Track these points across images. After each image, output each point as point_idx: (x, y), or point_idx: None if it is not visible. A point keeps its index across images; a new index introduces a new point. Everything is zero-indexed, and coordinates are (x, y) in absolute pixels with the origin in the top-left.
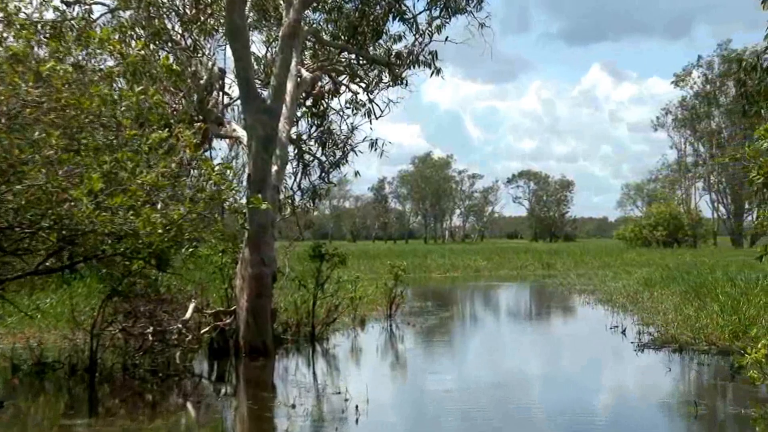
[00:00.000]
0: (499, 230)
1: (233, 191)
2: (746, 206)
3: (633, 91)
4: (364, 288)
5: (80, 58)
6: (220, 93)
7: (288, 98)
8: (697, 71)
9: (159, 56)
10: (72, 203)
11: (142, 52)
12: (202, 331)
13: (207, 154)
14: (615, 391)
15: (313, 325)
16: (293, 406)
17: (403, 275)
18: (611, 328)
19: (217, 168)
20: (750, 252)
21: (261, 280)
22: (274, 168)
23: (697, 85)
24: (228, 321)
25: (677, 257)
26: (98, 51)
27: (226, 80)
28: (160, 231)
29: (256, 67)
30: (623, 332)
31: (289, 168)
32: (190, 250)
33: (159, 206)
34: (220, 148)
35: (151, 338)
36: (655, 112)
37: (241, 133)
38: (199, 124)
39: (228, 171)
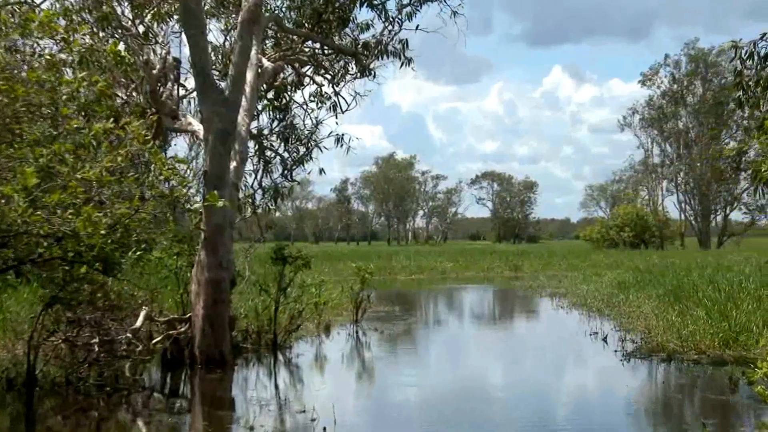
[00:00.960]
0: (462, 232)
1: (186, 188)
2: (713, 207)
3: (594, 93)
4: (329, 292)
5: (19, 44)
6: (175, 84)
7: (248, 89)
8: (664, 70)
9: (108, 44)
10: (2, 201)
11: (88, 38)
12: (153, 341)
13: (163, 151)
14: (609, 410)
15: (275, 333)
16: (251, 429)
17: (369, 278)
18: (591, 335)
19: (168, 162)
20: (718, 253)
21: (218, 284)
22: (233, 164)
23: (664, 85)
24: (182, 329)
25: (645, 259)
26: (39, 36)
27: (182, 71)
28: (103, 232)
29: (213, 57)
30: (604, 339)
31: (249, 165)
32: (138, 253)
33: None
34: (176, 144)
35: (97, 349)
36: (616, 113)
37: (198, 127)
38: (152, 117)
39: (182, 166)
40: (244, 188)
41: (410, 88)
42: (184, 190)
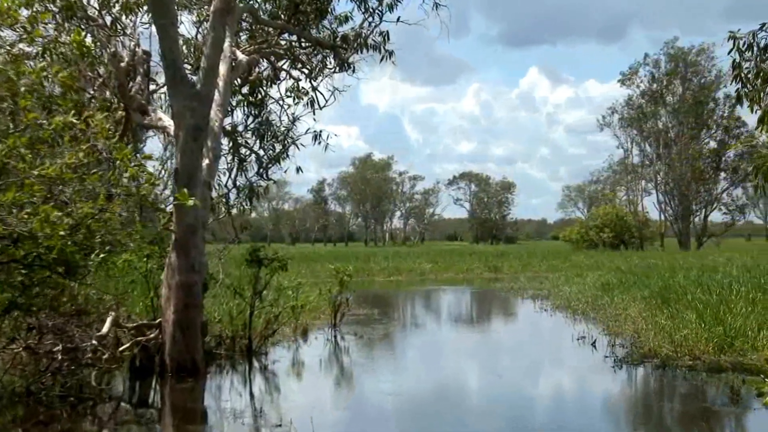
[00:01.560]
0: (439, 232)
1: (154, 185)
2: (693, 208)
3: (570, 94)
4: (307, 294)
5: None
6: (145, 78)
7: (221, 83)
8: (644, 70)
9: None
10: None
11: (52, 29)
12: (121, 348)
13: (136, 152)
14: (606, 422)
15: (249, 338)
16: None
17: (348, 281)
18: (578, 339)
19: (135, 158)
20: (699, 254)
21: (190, 288)
22: (206, 162)
23: (643, 84)
24: (152, 336)
25: (626, 259)
26: None
27: (153, 65)
28: (63, 233)
29: (185, 51)
30: (593, 344)
31: (223, 163)
32: (102, 255)
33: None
34: (146, 139)
35: (60, 357)
36: (592, 114)
37: (168, 123)
38: (120, 112)
39: (152, 163)
40: (217, 187)
41: (387, 89)
42: (152, 188)
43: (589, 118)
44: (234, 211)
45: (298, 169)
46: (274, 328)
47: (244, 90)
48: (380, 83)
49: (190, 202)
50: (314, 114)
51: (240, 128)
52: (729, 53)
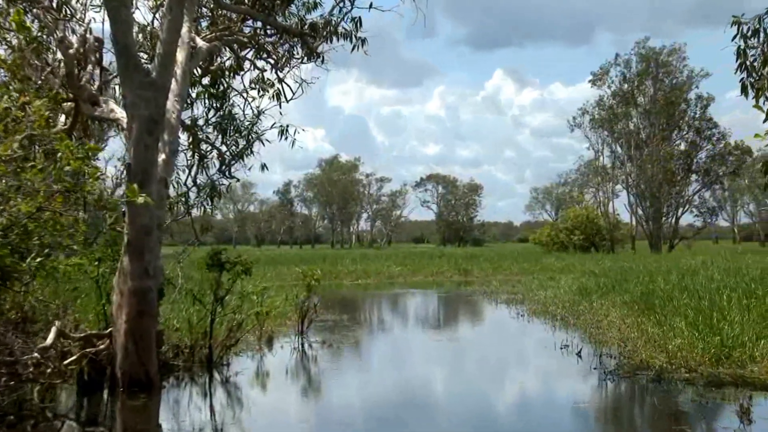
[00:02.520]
0: (406, 235)
1: (98, 180)
2: (665, 210)
3: (535, 97)
4: (272, 299)
5: None
6: (97, 67)
7: (179, 71)
8: (615, 70)
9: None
10: None
11: None
12: (67, 361)
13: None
14: None
15: (210, 348)
16: None
17: (316, 285)
18: (562, 348)
19: (79, 149)
20: (671, 257)
21: (144, 295)
22: (162, 157)
23: (614, 85)
24: (102, 347)
25: (598, 262)
26: None
27: (106, 53)
28: None
29: (141, 39)
30: (578, 354)
31: (182, 160)
32: (39, 259)
33: None
34: (108, 138)
35: None
36: (558, 117)
37: (121, 114)
38: (69, 103)
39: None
40: (176, 185)
41: (353, 91)
42: (96, 183)
43: (554, 120)
44: (194, 211)
45: (263, 167)
46: (236, 336)
47: (205, 81)
48: (347, 85)
49: (140, 200)
50: (280, 107)
51: (200, 122)
52: (733, 39)
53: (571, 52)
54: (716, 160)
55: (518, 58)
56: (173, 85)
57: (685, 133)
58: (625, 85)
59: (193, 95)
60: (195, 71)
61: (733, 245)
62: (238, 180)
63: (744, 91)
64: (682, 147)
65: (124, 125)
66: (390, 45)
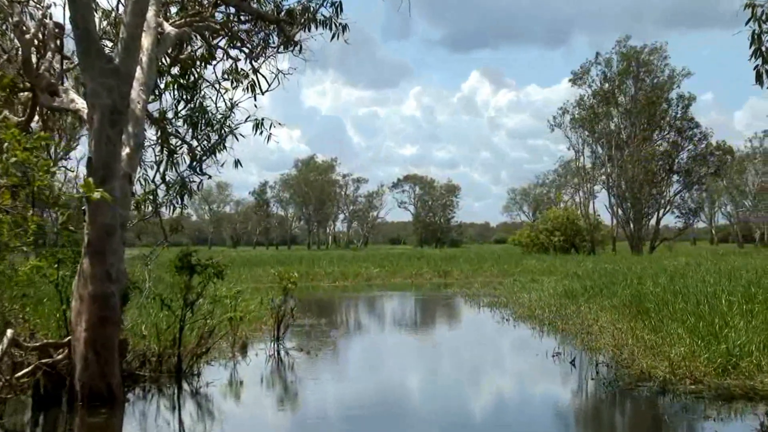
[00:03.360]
0: (383, 236)
1: (48, 174)
2: (645, 210)
3: (511, 98)
4: (247, 303)
5: None
6: (56, 54)
7: (144, 58)
8: (596, 69)
9: None
10: None
11: None
12: (19, 373)
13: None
14: None
15: (179, 357)
16: None
17: (293, 288)
18: (553, 356)
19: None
20: (653, 258)
21: (106, 300)
22: (126, 150)
23: (595, 84)
24: (59, 357)
25: (579, 264)
26: None
27: (66, 40)
28: None
29: (106, 26)
30: (572, 363)
31: (150, 155)
32: None
33: None
34: (80, 137)
35: None
36: (534, 118)
37: (81, 105)
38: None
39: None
40: (144, 182)
41: (329, 92)
42: (46, 177)
43: (530, 122)
44: (163, 210)
45: (237, 163)
46: (208, 344)
47: (174, 71)
48: (323, 86)
49: (96, 195)
50: (255, 100)
51: (169, 115)
52: (746, 24)
53: (547, 54)
54: (698, 161)
55: (494, 60)
56: (138, 73)
57: (666, 133)
58: (606, 85)
59: (162, 86)
60: (163, 60)
61: (711, 246)
62: (210, 177)
63: (759, 79)
64: (664, 147)
65: (85, 116)
66: (366, 46)
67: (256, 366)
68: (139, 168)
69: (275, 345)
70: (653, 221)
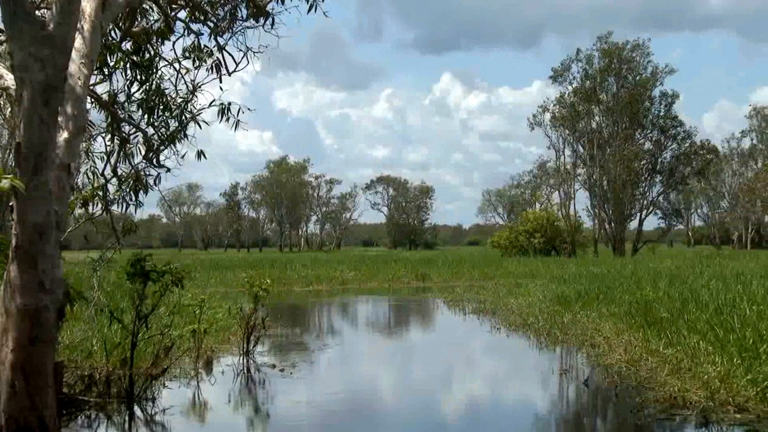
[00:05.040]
0: (355, 238)
1: None
2: (628, 212)
3: (483, 100)
4: (214, 311)
5: None
6: None
7: (86, 25)
8: (577, 66)
9: None
10: None
11: None
12: None
13: None
14: None
15: (131, 379)
16: None
17: (264, 296)
18: (561, 374)
19: None
20: (637, 261)
21: (37, 315)
22: (63, 135)
23: (576, 81)
24: None
25: (561, 267)
26: None
27: None
28: None
29: None
30: (585, 383)
31: (100, 145)
32: None
33: None
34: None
35: None
36: (506, 120)
37: (9, 79)
38: None
39: None
40: (92, 176)
41: (300, 94)
42: None
43: (502, 124)
44: (115, 207)
45: (200, 154)
46: (164, 364)
47: (126, 46)
48: (294, 88)
49: (5, 183)
50: (221, 82)
51: (121, 98)
52: None
53: (519, 56)
54: (681, 160)
55: (466, 62)
56: (79, 43)
57: (649, 131)
58: (587, 82)
59: (111, 63)
60: (113, 33)
61: (689, 249)
62: (169, 170)
63: None
64: (647, 146)
65: (13, 93)
66: (338, 47)
67: (222, 385)
68: (86, 159)
69: (245, 360)
70: (635, 222)
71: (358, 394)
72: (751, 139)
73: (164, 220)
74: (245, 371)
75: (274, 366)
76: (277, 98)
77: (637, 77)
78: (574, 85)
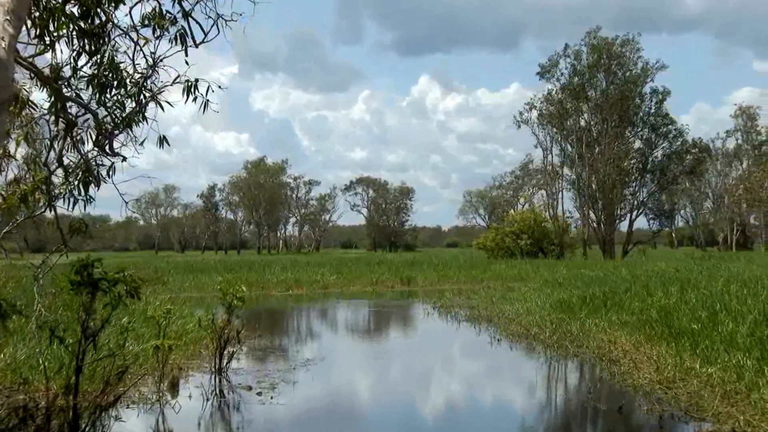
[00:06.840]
0: (334, 240)
1: None
2: (618, 213)
3: (461, 102)
4: (184, 322)
5: None
6: None
7: None
8: (565, 62)
9: None
10: None
11: None
12: None
13: None
14: None
15: (75, 410)
16: None
17: (240, 305)
18: (589, 394)
19: None
20: (629, 263)
21: None
22: None
23: (564, 77)
24: None
25: (552, 269)
26: None
27: None
28: None
29: None
30: (619, 410)
31: (43, 129)
32: None
33: None
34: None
35: None
36: (484, 122)
37: None
38: None
39: None
40: (34, 166)
41: (277, 96)
42: None
43: (480, 126)
44: (60, 203)
45: (162, 140)
46: (118, 391)
47: (74, 10)
48: (271, 90)
49: None
50: (186, 55)
51: (67, 72)
52: None
53: (497, 58)
54: (673, 159)
55: (445, 64)
56: None
57: (639, 129)
58: (576, 79)
59: (53, 29)
60: None
61: (673, 250)
62: (125, 159)
63: None
64: (637, 145)
65: None
66: (316, 50)
67: (189, 412)
68: (27, 146)
69: (216, 379)
70: (626, 223)
71: (349, 423)
72: (737, 139)
73: (141, 222)
74: (217, 394)
75: (250, 388)
76: (254, 99)
77: (627, 73)
78: (561, 82)
